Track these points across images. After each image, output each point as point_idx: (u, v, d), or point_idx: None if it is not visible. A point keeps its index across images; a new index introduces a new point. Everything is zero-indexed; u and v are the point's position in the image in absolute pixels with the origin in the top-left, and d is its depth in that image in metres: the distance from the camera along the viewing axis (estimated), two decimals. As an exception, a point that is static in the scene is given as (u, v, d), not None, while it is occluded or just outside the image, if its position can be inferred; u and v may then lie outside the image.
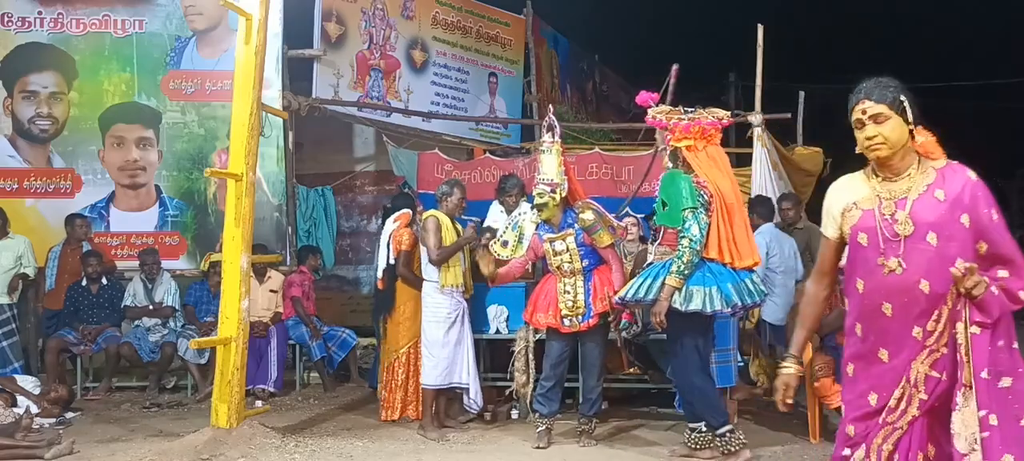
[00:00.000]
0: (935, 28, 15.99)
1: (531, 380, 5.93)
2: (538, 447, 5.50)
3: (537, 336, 5.95)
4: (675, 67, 5.90)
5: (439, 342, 5.98)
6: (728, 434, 4.98)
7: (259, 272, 7.58)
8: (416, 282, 6.20)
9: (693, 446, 5.15)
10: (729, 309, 4.83)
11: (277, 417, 6.52)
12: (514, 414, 6.53)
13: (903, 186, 2.69)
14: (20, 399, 6.45)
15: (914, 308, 2.61)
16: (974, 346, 2.54)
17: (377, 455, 5.50)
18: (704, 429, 5.12)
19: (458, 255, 6.02)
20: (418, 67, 9.65)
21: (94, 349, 7.70)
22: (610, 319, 5.56)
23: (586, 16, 13.88)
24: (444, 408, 6.22)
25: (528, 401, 5.95)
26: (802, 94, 9.19)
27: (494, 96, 10.46)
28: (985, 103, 16.24)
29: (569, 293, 5.47)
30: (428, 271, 6.03)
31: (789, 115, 8.86)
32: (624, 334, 5.80)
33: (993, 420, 2.51)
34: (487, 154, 9.15)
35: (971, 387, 2.53)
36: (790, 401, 2.93)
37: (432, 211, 6.06)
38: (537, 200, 5.53)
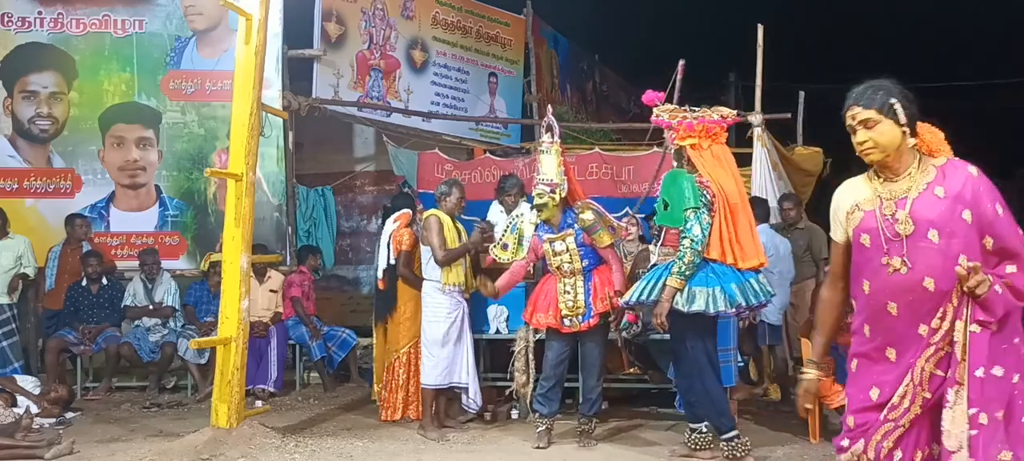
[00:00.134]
0: (935, 28, 15.96)
1: (531, 380, 5.93)
2: (538, 447, 5.50)
3: (537, 336, 5.95)
4: (681, 63, 5.88)
5: (439, 341, 5.98)
6: (734, 440, 4.93)
7: (259, 272, 7.58)
8: (416, 282, 6.20)
9: (693, 446, 5.15)
10: (732, 310, 4.79)
11: (277, 417, 6.52)
12: (514, 414, 6.53)
13: (903, 186, 2.70)
14: (20, 399, 6.45)
15: (920, 307, 2.61)
16: (972, 344, 2.54)
17: (377, 455, 5.50)
18: (705, 430, 5.11)
19: (459, 253, 6.03)
20: (418, 67, 9.65)
21: (94, 349, 7.70)
22: (610, 319, 5.56)
23: (586, 16, 13.86)
24: (444, 408, 6.22)
25: (528, 401, 5.95)
26: (802, 94, 9.19)
27: (494, 96, 10.46)
28: (985, 103, 16.22)
29: (569, 293, 5.47)
30: (429, 271, 6.03)
31: (789, 115, 8.85)
32: (624, 334, 5.80)
33: (983, 419, 2.52)
34: (487, 154, 9.14)
35: (963, 384, 2.53)
36: (810, 406, 2.96)
37: (433, 210, 6.06)
38: (537, 200, 5.53)
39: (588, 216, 5.44)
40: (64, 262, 8.09)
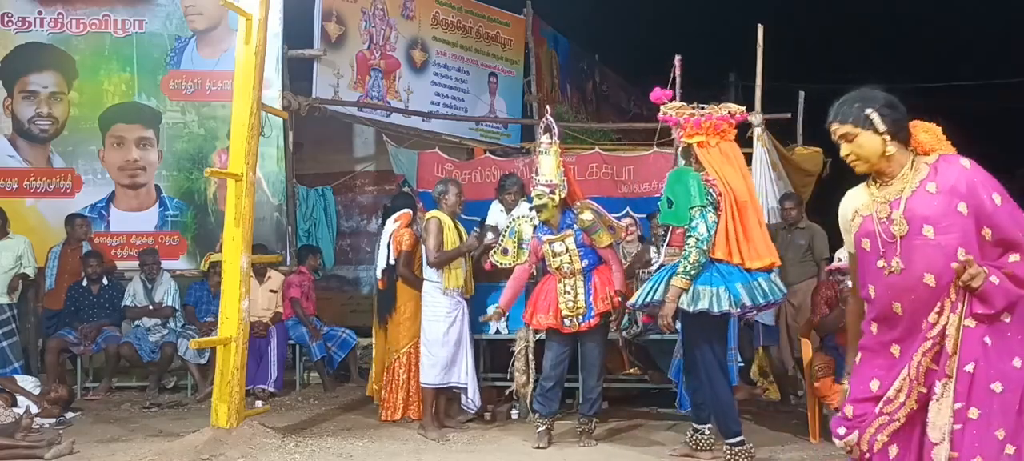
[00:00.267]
0: (935, 28, 15.96)
1: (531, 380, 5.93)
2: (538, 447, 5.50)
3: (537, 336, 5.95)
4: (678, 58, 5.87)
5: (439, 341, 5.99)
6: (739, 446, 4.87)
7: (259, 272, 7.58)
8: (416, 282, 6.20)
9: (694, 446, 5.14)
10: (738, 310, 4.71)
11: (277, 417, 6.52)
12: (514, 414, 6.53)
13: (897, 188, 2.72)
14: (20, 399, 6.45)
15: (924, 304, 2.62)
16: (964, 339, 2.54)
17: (377, 455, 5.50)
18: (707, 432, 5.09)
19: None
20: (418, 67, 9.64)
21: (94, 349, 7.70)
22: (611, 319, 5.56)
23: (586, 16, 13.86)
24: (444, 408, 6.22)
25: (528, 401, 5.95)
26: (802, 94, 9.17)
27: (494, 96, 10.46)
28: (985, 103, 16.22)
29: (569, 293, 5.46)
30: (429, 271, 6.04)
31: (789, 115, 8.85)
32: (624, 334, 5.80)
33: (973, 413, 2.52)
34: (487, 154, 9.15)
35: (952, 377, 2.53)
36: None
37: (434, 212, 6.06)
38: (536, 201, 5.52)
39: (587, 216, 5.43)
40: (64, 262, 8.09)
